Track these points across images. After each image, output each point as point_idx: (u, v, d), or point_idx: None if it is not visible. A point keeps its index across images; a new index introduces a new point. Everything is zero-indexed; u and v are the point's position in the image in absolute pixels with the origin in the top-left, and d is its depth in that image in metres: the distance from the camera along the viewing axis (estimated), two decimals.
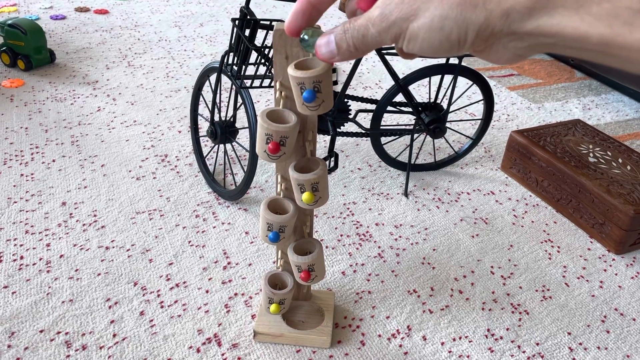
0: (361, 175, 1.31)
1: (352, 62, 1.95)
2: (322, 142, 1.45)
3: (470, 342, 0.90)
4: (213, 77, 1.75)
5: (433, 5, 0.33)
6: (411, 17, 0.34)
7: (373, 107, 1.67)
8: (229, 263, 1.03)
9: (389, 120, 1.58)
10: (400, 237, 1.12)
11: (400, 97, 1.95)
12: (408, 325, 0.92)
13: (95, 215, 1.12)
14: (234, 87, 1.37)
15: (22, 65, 1.71)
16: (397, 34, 0.35)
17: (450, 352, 0.88)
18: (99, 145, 1.36)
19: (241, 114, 1.55)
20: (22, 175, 1.24)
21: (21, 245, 1.04)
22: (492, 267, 1.06)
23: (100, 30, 2.12)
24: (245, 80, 1.05)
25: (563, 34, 0.30)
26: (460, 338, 0.90)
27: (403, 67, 1.95)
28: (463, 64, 1.99)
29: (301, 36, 0.46)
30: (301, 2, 0.42)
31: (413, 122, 1.57)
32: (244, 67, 1.04)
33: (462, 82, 1.84)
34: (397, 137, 1.38)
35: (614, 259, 1.10)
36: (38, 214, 1.12)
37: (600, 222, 1.12)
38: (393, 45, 0.37)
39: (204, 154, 1.33)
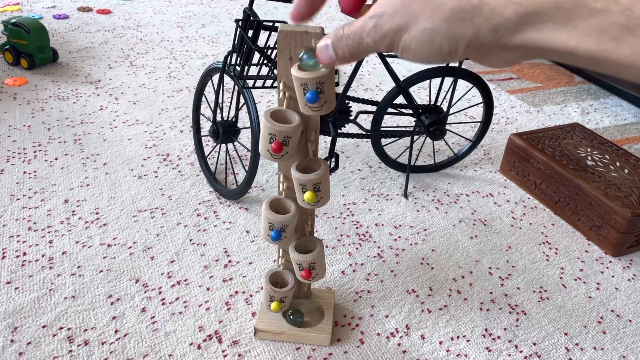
0: (361, 176, 1.33)
1: (354, 64, 1.96)
2: (323, 143, 1.46)
3: (468, 341, 0.91)
4: (215, 77, 1.76)
5: (422, 19, 0.34)
6: (403, 29, 0.35)
7: (374, 108, 1.69)
8: (229, 261, 1.04)
9: (389, 121, 1.59)
10: (399, 237, 1.13)
11: (400, 99, 1.96)
12: (407, 324, 0.93)
13: (97, 213, 1.13)
14: (236, 87, 1.38)
15: (25, 64, 1.72)
16: (390, 44, 0.37)
17: (448, 351, 0.89)
18: (102, 144, 1.37)
19: (243, 114, 1.56)
20: (24, 172, 1.25)
21: (24, 241, 1.05)
22: (490, 268, 1.07)
23: (103, 30, 2.13)
24: (247, 81, 1.07)
25: (551, 48, 0.30)
26: (458, 337, 0.91)
27: (404, 69, 1.96)
28: (463, 66, 2.00)
29: (300, 56, 0.53)
30: None
31: (413, 124, 1.58)
32: (246, 67, 1.05)
33: (462, 84, 1.86)
34: (397, 138, 1.39)
35: (610, 261, 1.11)
36: (41, 211, 1.13)
37: (598, 224, 1.14)
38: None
39: (206, 154, 1.34)
